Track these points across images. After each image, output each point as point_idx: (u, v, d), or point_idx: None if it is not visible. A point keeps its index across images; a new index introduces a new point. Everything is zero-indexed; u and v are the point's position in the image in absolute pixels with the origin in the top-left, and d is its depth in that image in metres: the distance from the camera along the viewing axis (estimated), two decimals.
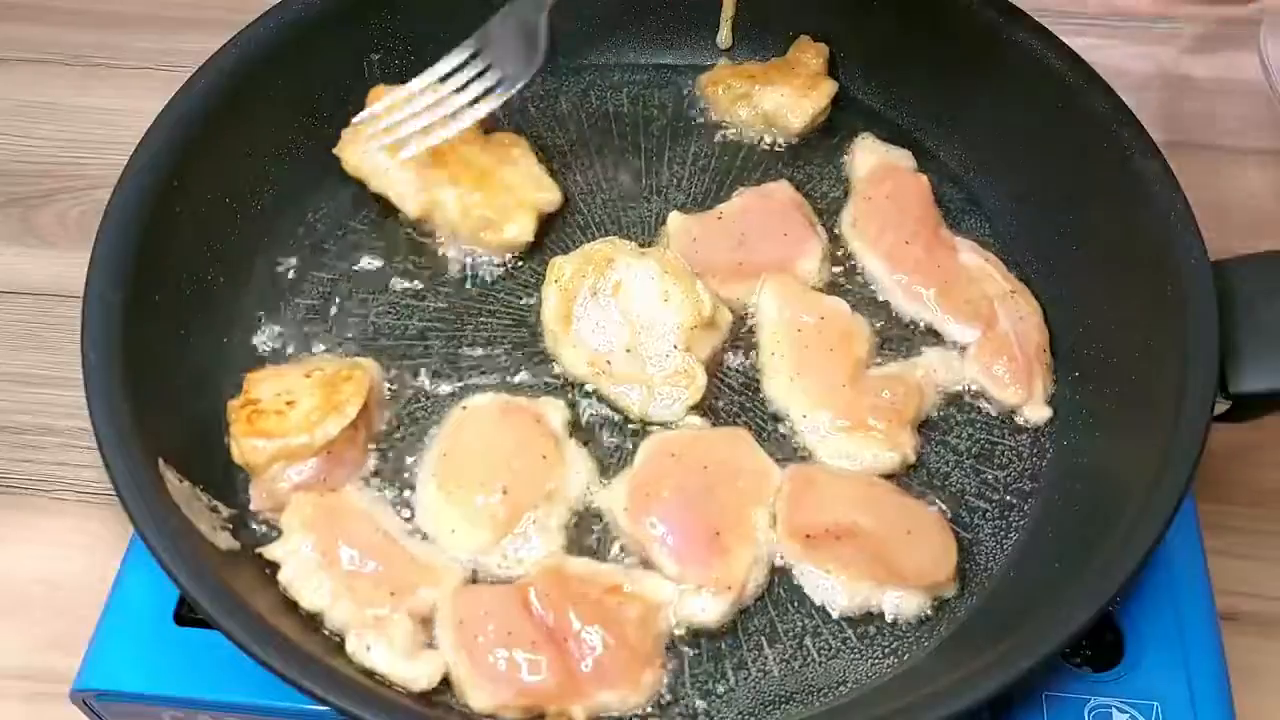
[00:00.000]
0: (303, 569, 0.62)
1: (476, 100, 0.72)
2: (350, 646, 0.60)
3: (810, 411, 0.69)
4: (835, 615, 0.64)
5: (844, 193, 0.80)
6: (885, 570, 0.63)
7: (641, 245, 0.73)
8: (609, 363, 0.70)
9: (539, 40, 0.71)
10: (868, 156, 0.80)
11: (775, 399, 0.70)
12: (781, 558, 0.65)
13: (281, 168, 0.78)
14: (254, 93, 0.75)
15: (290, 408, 0.65)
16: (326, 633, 0.62)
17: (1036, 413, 0.70)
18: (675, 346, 0.69)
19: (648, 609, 0.61)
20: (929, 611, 0.64)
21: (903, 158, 0.80)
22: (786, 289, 0.73)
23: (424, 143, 0.73)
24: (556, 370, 0.72)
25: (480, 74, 0.72)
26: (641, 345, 0.70)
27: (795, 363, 0.70)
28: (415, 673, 0.59)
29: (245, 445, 0.64)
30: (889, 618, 0.63)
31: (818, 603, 0.64)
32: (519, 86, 0.72)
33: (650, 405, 0.69)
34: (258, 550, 0.63)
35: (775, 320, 0.72)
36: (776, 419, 0.70)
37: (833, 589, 0.63)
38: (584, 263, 0.71)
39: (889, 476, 0.68)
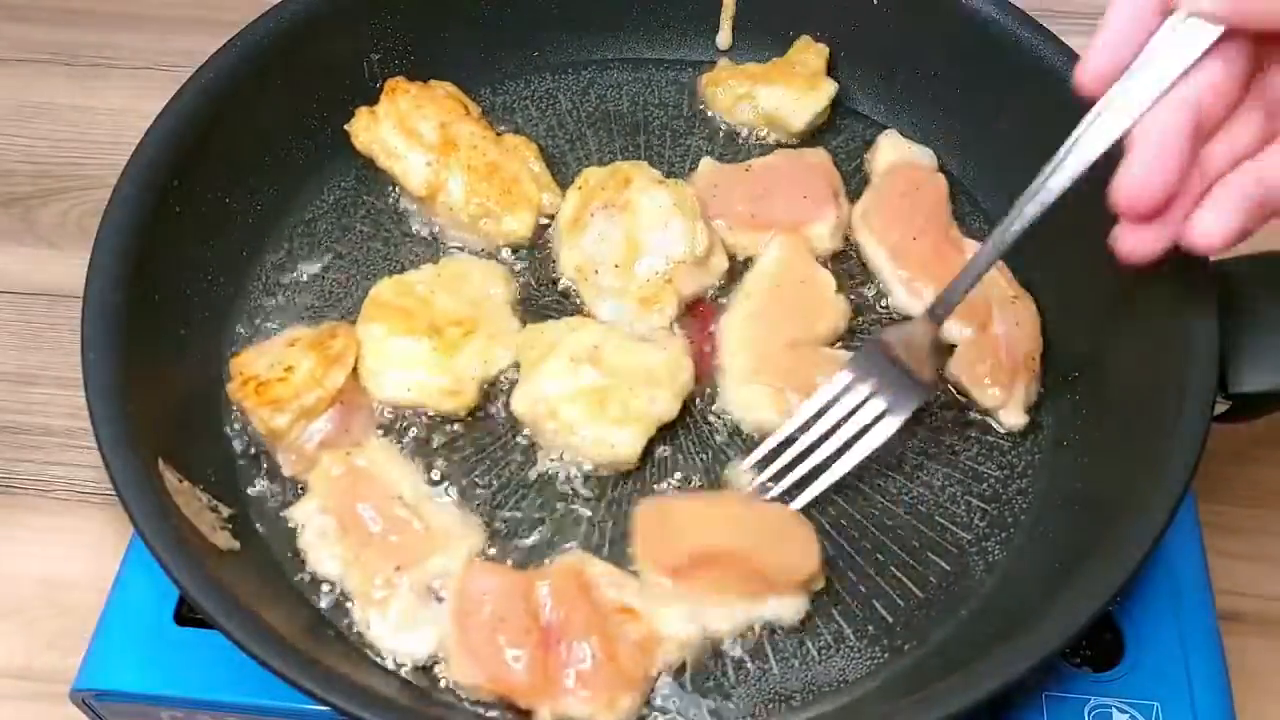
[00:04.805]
0: (318, 536, 0.64)
1: (863, 433, 0.64)
2: (355, 615, 0.62)
3: (739, 354, 0.71)
4: (724, 643, 0.63)
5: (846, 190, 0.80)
6: (757, 582, 0.62)
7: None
8: (596, 272, 0.73)
9: (927, 361, 0.65)
10: (889, 152, 0.80)
11: (722, 334, 0.72)
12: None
13: (281, 167, 0.78)
14: (254, 93, 0.75)
15: (290, 373, 0.67)
16: (330, 633, 0.62)
17: (1013, 419, 0.70)
18: (657, 274, 0.72)
19: (650, 638, 0.61)
20: (807, 610, 0.63)
21: (924, 155, 0.81)
22: (789, 247, 0.75)
23: (818, 488, 0.65)
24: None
25: (862, 404, 0.65)
26: (632, 265, 0.72)
27: (756, 310, 0.72)
28: (410, 647, 0.61)
29: (264, 415, 0.66)
30: (772, 625, 0.63)
31: (704, 632, 0.62)
32: (906, 416, 0.64)
33: (617, 319, 0.72)
34: (283, 514, 0.66)
35: (764, 269, 0.74)
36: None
37: (713, 615, 0.62)
38: (609, 176, 0.75)
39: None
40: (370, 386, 0.69)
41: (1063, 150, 0.56)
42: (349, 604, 0.63)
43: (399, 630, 0.61)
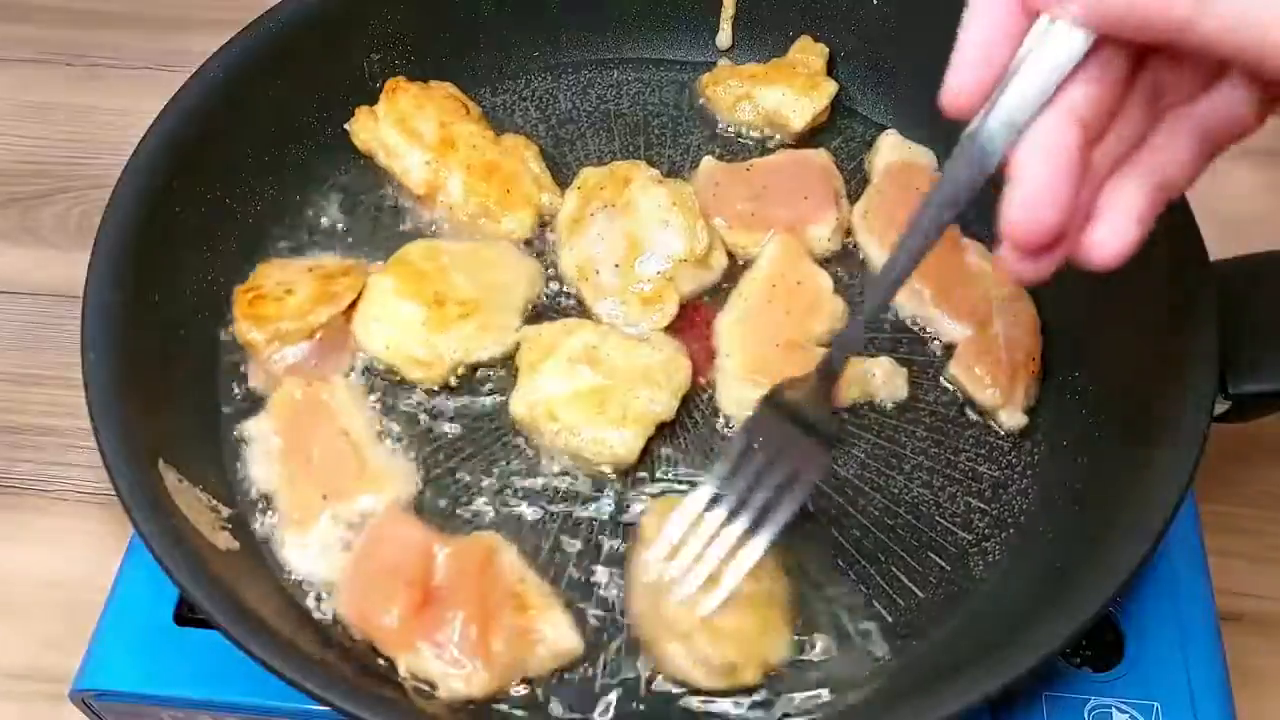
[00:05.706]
0: (263, 453, 0.67)
1: (762, 519, 0.59)
2: (274, 532, 0.65)
3: (734, 353, 0.71)
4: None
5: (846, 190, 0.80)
6: None
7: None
8: (597, 272, 0.73)
9: (830, 425, 0.60)
10: (889, 153, 0.80)
11: (717, 333, 0.72)
12: None
13: (281, 166, 0.78)
14: (253, 93, 0.75)
15: (289, 295, 0.70)
16: (328, 632, 0.62)
17: (1013, 419, 0.70)
18: (658, 273, 0.72)
19: (529, 632, 0.60)
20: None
21: (924, 155, 0.81)
22: (787, 247, 0.75)
23: (724, 591, 0.59)
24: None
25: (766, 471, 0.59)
26: (632, 264, 0.73)
27: (751, 310, 0.73)
28: (310, 568, 0.63)
29: (243, 327, 0.69)
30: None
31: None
32: (808, 492, 0.59)
33: (618, 319, 0.73)
34: (235, 428, 0.68)
35: (760, 269, 0.74)
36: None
37: None
38: (607, 176, 0.76)
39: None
40: (358, 332, 0.71)
41: (931, 194, 0.50)
42: (272, 519, 0.65)
43: (307, 553, 0.63)
